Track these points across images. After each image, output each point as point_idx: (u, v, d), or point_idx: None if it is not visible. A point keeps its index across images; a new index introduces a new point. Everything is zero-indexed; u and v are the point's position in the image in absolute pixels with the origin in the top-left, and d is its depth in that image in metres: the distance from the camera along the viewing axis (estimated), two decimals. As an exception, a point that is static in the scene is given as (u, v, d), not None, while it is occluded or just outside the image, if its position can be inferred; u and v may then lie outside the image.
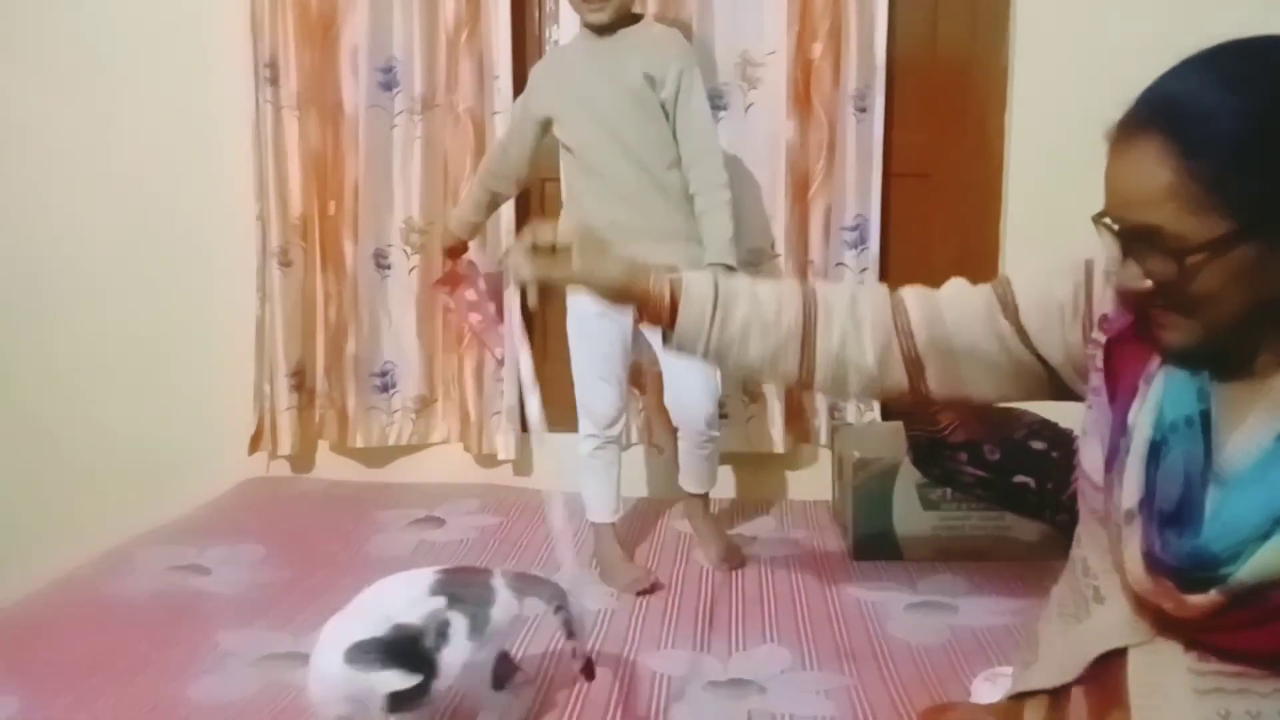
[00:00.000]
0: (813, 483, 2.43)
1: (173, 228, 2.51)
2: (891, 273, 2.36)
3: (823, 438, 2.38)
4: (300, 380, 2.45)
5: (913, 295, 1.12)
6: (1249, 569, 0.83)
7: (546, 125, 1.96)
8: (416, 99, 2.35)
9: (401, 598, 1.25)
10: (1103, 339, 0.98)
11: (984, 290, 1.09)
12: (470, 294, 2.07)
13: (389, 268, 2.44)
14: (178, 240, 2.52)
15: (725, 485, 2.33)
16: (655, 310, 1.12)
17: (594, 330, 1.91)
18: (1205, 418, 0.89)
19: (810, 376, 1.12)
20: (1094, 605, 0.99)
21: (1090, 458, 0.98)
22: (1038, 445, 1.98)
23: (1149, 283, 0.86)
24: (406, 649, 1.20)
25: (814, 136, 2.25)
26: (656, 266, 1.14)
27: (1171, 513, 0.89)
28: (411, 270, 2.44)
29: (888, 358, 1.10)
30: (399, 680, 1.18)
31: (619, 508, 1.99)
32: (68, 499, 2.59)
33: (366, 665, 1.18)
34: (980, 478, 1.97)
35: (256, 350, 2.44)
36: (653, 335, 1.81)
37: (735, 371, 1.16)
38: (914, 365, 1.10)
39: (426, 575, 1.28)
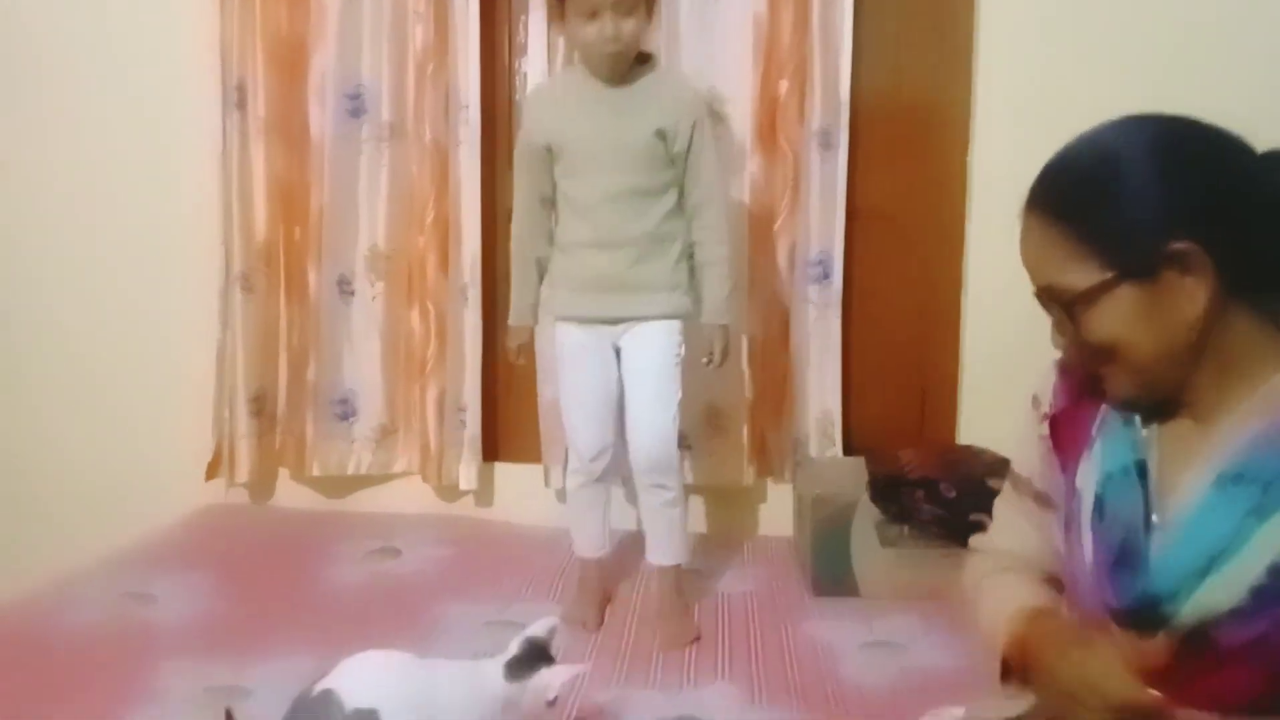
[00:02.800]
0: (777, 517, 2.42)
1: (136, 250, 2.50)
2: (854, 309, 2.37)
3: (786, 473, 2.38)
4: (260, 406, 2.43)
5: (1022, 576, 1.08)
6: (1190, 608, 0.86)
7: (550, 154, 1.87)
8: (384, 127, 2.36)
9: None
10: (1044, 426, 1.03)
11: (1014, 501, 1.11)
12: None
13: (353, 294, 2.43)
14: (140, 263, 2.50)
15: (693, 520, 2.32)
16: None
17: (580, 362, 1.88)
18: (1141, 467, 0.93)
19: None
20: None
21: (1061, 533, 1.02)
22: (995, 484, 1.98)
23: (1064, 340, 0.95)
24: (543, 653, 1.30)
25: (778, 173, 2.27)
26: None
27: (1116, 559, 0.92)
28: (375, 298, 2.43)
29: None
30: (565, 672, 1.28)
31: (604, 545, 1.95)
32: (21, 522, 2.55)
33: (528, 671, 1.26)
34: (937, 515, 1.98)
35: (217, 375, 2.42)
36: (626, 363, 1.85)
37: None
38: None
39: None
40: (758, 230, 2.29)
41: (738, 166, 2.29)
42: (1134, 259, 0.87)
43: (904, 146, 2.38)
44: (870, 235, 2.38)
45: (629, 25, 1.73)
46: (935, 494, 1.97)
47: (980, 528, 1.94)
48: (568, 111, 1.84)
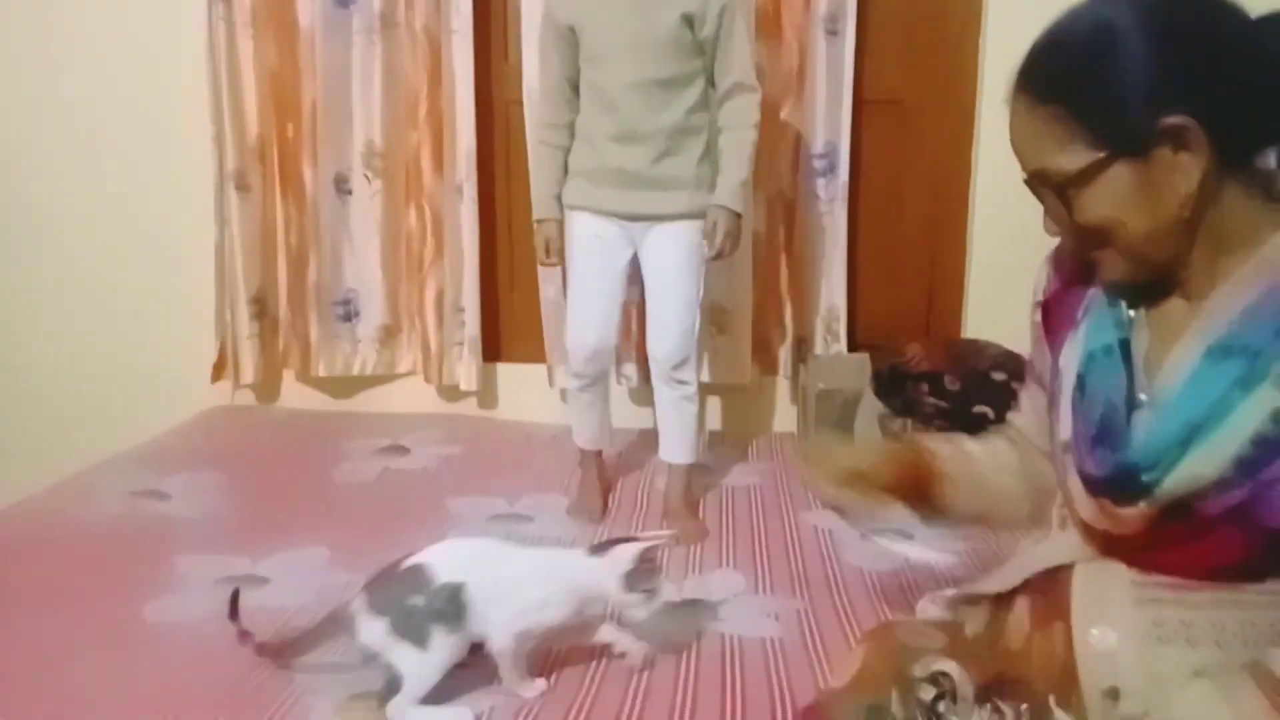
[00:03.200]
0: (780, 414, 2.44)
1: (127, 151, 2.45)
2: (861, 202, 2.34)
3: (789, 369, 2.38)
4: (262, 308, 2.42)
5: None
6: (1173, 479, 0.86)
7: (574, 35, 1.78)
8: (375, 17, 2.28)
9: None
10: (1041, 294, 1.05)
11: (1025, 386, 1.14)
12: None
13: (350, 193, 2.39)
14: (132, 164, 2.46)
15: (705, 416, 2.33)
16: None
17: (594, 254, 1.84)
18: (1124, 345, 0.94)
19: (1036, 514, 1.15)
20: (1056, 533, 1.05)
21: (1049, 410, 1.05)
22: (999, 376, 1.99)
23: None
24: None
25: (784, 61, 2.20)
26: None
27: (1095, 436, 0.93)
28: (374, 196, 2.39)
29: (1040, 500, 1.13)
30: (640, 545, 1.27)
31: (603, 439, 1.97)
32: (30, 428, 2.58)
33: (608, 548, 1.27)
34: (940, 408, 1.99)
35: (216, 277, 2.40)
36: (647, 261, 1.83)
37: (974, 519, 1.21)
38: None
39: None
40: (762, 122, 2.22)
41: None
42: (1126, 137, 0.86)
43: (913, 33, 2.30)
44: (878, 126, 2.33)
45: None
46: (939, 387, 1.97)
47: (984, 419, 1.99)
48: (584, 10, 1.76)
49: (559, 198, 1.87)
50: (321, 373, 2.45)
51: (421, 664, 1.19)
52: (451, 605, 1.20)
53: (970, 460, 1.15)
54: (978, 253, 2.32)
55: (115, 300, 2.53)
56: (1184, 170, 0.85)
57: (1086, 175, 0.87)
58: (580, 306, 1.87)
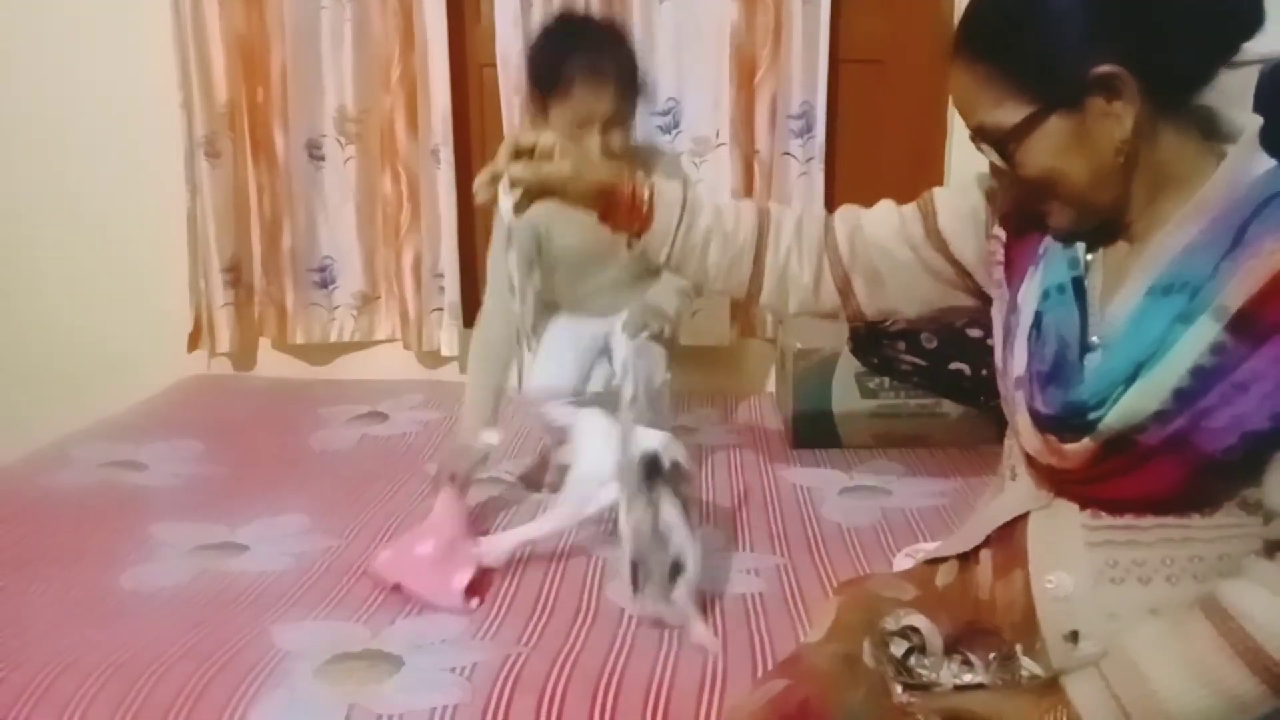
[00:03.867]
0: (758, 375, 2.45)
1: (93, 117, 2.41)
2: (838, 163, 2.33)
3: (768, 330, 2.39)
4: (237, 276, 2.40)
5: (840, 215, 1.21)
6: (1115, 414, 0.89)
7: (539, 242, 1.78)
8: (344, -25, 2.24)
9: None
10: (1003, 235, 1.06)
11: (907, 206, 1.18)
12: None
13: (323, 159, 2.36)
14: (100, 131, 2.41)
15: (677, 378, 2.32)
16: (629, 213, 1.17)
17: (572, 322, 1.89)
18: (1078, 283, 0.96)
19: (757, 289, 1.21)
20: (1009, 484, 1.07)
21: (996, 346, 1.07)
22: (975, 333, 2.00)
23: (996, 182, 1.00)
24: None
25: (760, 20, 2.18)
26: (633, 175, 1.19)
27: (1049, 373, 0.95)
28: (347, 161, 2.36)
29: (821, 277, 1.19)
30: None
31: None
32: (2, 399, 2.55)
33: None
34: (917, 365, 1.99)
35: (189, 245, 2.38)
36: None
37: (692, 278, 1.24)
38: (843, 283, 1.19)
39: None
40: (737, 82, 2.21)
41: (717, 13, 2.19)
42: (1059, 89, 0.89)
43: (891, -10, 2.29)
44: (856, 85, 2.31)
45: (617, 136, 1.64)
46: (916, 345, 1.98)
47: (961, 377, 2.00)
48: (553, 217, 1.68)
49: (497, 413, 1.70)
50: (299, 340, 2.44)
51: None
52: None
53: (719, 217, 1.18)
54: (955, 212, 2.32)
55: (87, 271, 2.50)
56: (1118, 117, 0.88)
57: (1023, 129, 0.90)
58: (557, 355, 1.85)
